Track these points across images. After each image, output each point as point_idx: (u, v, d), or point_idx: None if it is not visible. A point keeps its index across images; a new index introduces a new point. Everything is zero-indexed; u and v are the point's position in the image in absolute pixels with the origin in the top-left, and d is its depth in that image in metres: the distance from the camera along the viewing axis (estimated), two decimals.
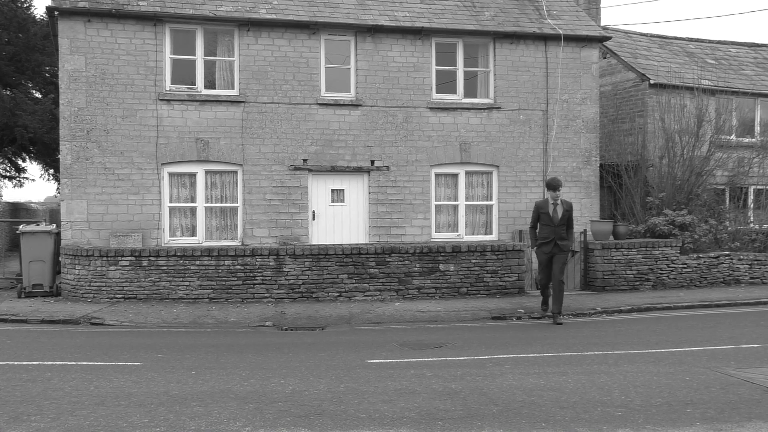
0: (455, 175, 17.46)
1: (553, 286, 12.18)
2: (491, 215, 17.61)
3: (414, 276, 14.93)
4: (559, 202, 12.15)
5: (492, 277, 15.23)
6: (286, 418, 6.12)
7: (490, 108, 17.47)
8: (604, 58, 21.23)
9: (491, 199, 17.60)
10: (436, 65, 17.32)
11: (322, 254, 14.66)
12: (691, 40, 24.33)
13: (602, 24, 21.66)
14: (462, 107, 17.35)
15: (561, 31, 17.60)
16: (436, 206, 17.32)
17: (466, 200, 17.50)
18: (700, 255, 16.64)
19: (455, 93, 17.45)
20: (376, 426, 5.90)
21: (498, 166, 17.53)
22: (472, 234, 17.44)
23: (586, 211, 17.84)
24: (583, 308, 13.67)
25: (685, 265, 16.43)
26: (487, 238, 17.32)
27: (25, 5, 29.14)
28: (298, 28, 16.34)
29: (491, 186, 17.63)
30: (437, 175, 17.33)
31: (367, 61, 16.78)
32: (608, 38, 18.63)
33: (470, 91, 17.67)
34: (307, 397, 6.84)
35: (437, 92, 17.35)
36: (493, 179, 17.61)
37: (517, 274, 15.39)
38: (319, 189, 16.62)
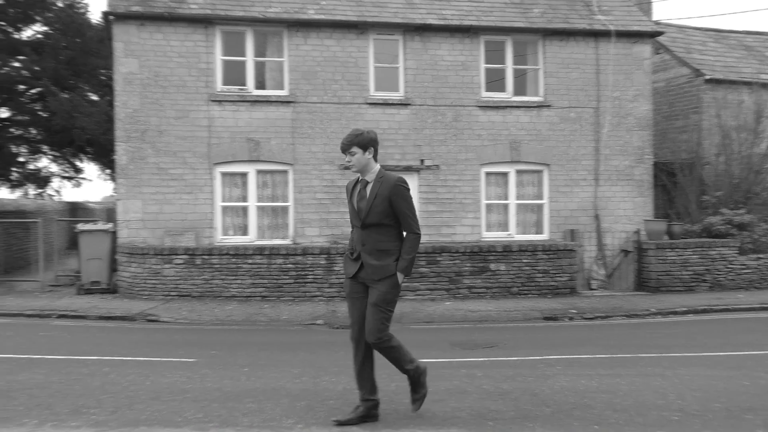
0: (505, 174, 17.32)
1: (355, 352, 5.93)
2: (542, 214, 17.42)
3: (464, 275, 14.87)
4: (372, 179, 5.77)
5: (543, 276, 15.09)
6: (337, 416, 6.14)
7: (540, 106, 17.30)
8: (657, 53, 20.84)
9: (542, 198, 17.42)
10: (485, 63, 17.21)
11: None
12: (749, 33, 23.72)
13: (654, 19, 21.26)
14: (511, 105, 17.21)
15: (612, 27, 17.33)
16: (487, 205, 17.21)
17: (517, 199, 17.35)
18: (760, 255, 16.23)
19: (504, 91, 17.33)
20: (426, 425, 5.89)
21: (548, 165, 17.35)
22: (523, 233, 17.28)
23: (639, 210, 17.54)
24: (637, 309, 13.45)
25: (744, 266, 16.05)
26: (538, 237, 17.15)
27: (81, 11, 29.84)
28: (346, 28, 16.41)
29: (542, 185, 17.44)
30: (487, 173, 17.22)
31: (416, 60, 16.76)
32: (661, 33, 18.31)
33: (520, 89, 17.52)
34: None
35: (486, 90, 17.24)
36: (543, 178, 17.42)
37: (569, 274, 15.22)
38: None
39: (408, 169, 16.69)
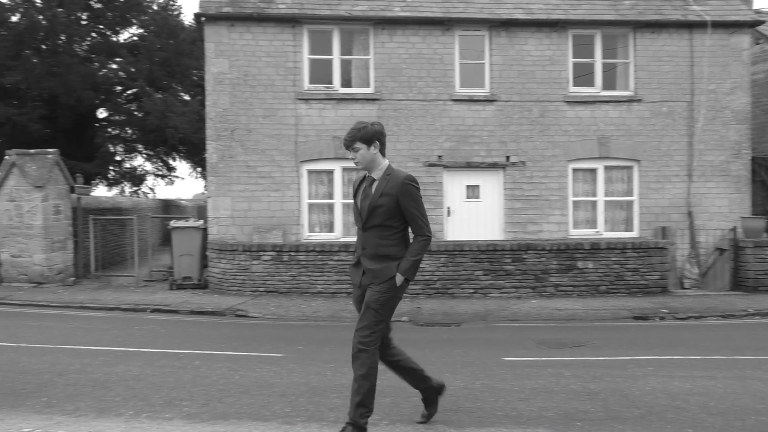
0: (593, 170, 16.95)
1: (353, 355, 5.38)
2: (632, 211, 16.97)
3: (551, 273, 14.64)
4: (379, 176, 5.30)
5: (633, 275, 14.70)
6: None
7: (630, 100, 16.85)
8: (757, 44, 19.99)
9: (632, 195, 16.96)
10: (573, 58, 16.88)
11: (458, 250, 14.64)
12: None
13: (755, 8, 20.38)
14: (600, 100, 16.83)
15: (708, 18, 16.71)
16: (574, 202, 16.89)
17: (605, 196, 16.96)
18: None
19: (593, 86, 16.95)
20: (512, 424, 5.82)
21: (639, 161, 16.88)
22: (612, 231, 16.87)
23: (735, 207, 16.87)
24: (733, 310, 12.95)
25: None
26: (628, 234, 16.71)
27: (175, 13, 30.83)
28: (432, 25, 16.37)
29: (632, 181, 16.99)
30: (574, 170, 16.90)
31: (502, 55, 16.58)
32: (761, 23, 17.54)
33: (609, 84, 17.11)
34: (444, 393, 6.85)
35: (574, 85, 16.90)
36: (633, 174, 16.97)
37: (660, 273, 14.78)
38: (453, 185, 16.59)
39: (493, 165, 16.54)
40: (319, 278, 14.80)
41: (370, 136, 5.22)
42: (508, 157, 16.60)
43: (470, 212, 16.66)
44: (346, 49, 16.63)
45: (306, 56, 16.36)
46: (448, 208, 16.57)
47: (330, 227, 16.42)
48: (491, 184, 16.67)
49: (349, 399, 5.32)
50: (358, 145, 5.22)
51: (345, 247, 14.86)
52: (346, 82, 16.66)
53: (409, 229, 5.28)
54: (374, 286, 5.18)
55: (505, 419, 5.97)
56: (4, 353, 8.95)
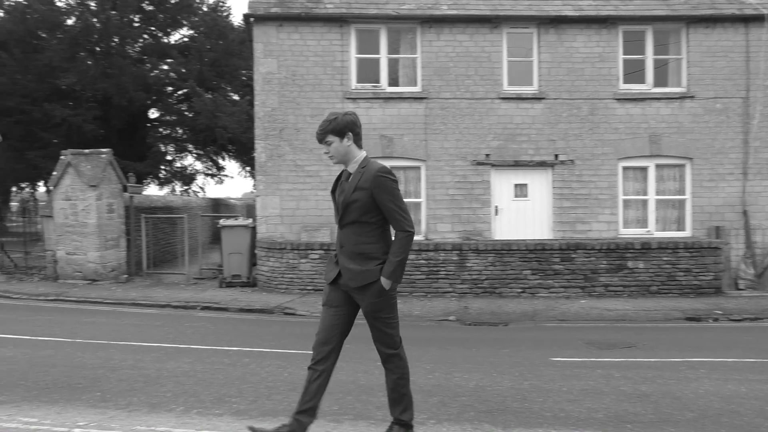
0: (644, 169, 16.67)
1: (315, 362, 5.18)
2: (684, 210, 16.64)
3: (600, 273, 14.45)
4: (354, 170, 4.95)
5: (685, 275, 14.42)
6: (469, 413, 6.12)
7: (682, 97, 16.52)
8: None
9: (684, 194, 16.63)
10: (624, 54, 16.62)
11: (505, 249, 14.55)
12: None
13: None
14: (651, 97, 16.54)
15: (765, 11, 16.29)
16: (624, 201, 16.63)
17: (657, 195, 16.66)
18: None
19: (644, 83, 16.66)
20: (561, 425, 5.76)
21: (691, 159, 16.54)
22: (663, 230, 16.57)
23: None
24: None
25: None
26: (680, 234, 16.39)
27: (224, 14, 31.22)
28: (479, 23, 16.29)
29: (684, 179, 16.66)
30: (625, 168, 16.64)
31: (550, 53, 16.41)
32: None
33: (660, 80, 16.79)
34: (490, 393, 6.81)
35: (624, 82, 16.64)
36: (686, 172, 16.64)
37: (713, 273, 14.47)
38: (501, 184, 16.48)
39: (541, 164, 16.39)
40: None
41: (341, 127, 4.86)
42: (556, 156, 16.42)
43: (518, 211, 16.53)
44: (393, 48, 16.64)
45: (353, 55, 16.41)
46: (496, 206, 16.47)
47: None
48: (539, 183, 16.52)
49: (388, 398, 5.20)
50: (330, 138, 4.88)
51: None
52: (394, 81, 16.67)
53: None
54: (359, 295, 4.92)
55: (553, 420, 5.91)
56: (60, 348, 9.18)
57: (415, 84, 16.54)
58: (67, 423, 5.80)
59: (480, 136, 16.34)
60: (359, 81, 16.48)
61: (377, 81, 16.49)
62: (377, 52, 16.49)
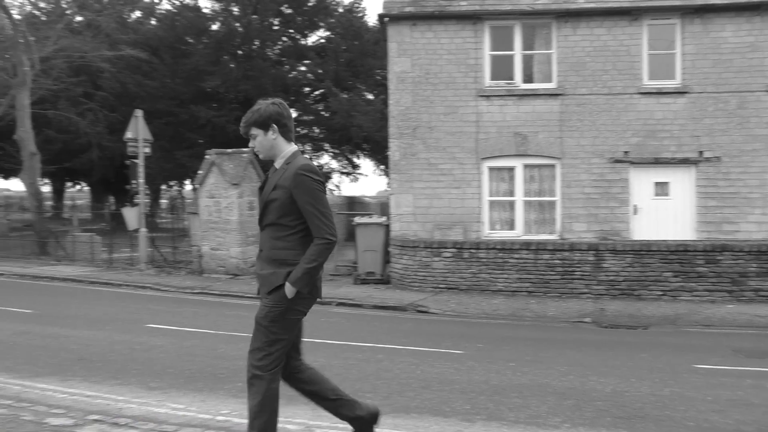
0: None
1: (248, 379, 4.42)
2: None
3: (749, 277, 13.66)
4: (279, 165, 4.42)
5: None
6: (605, 418, 5.95)
7: None
8: None
9: None
10: None
11: (645, 250, 14.04)
12: None
13: None
14: None
15: None
16: None
17: None
18: None
19: None
20: None
21: None
22: None
23: None
24: None
25: None
26: None
27: (359, 15, 31.80)
28: (618, 15, 15.74)
29: None
30: None
31: (695, 44, 15.64)
32: None
33: None
34: (628, 399, 6.59)
35: None
36: None
37: None
38: (640, 182, 15.87)
39: (684, 161, 15.65)
40: (500, 276, 14.71)
41: (265, 119, 4.32)
42: (701, 152, 15.63)
43: (658, 210, 15.85)
44: (527, 44, 16.37)
45: (487, 52, 16.27)
46: (635, 206, 15.87)
47: (511, 225, 16.24)
48: (682, 181, 15.78)
49: (249, 416, 4.37)
50: (254, 131, 4.36)
51: (526, 245, 14.69)
52: (528, 78, 16.40)
53: None
54: (264, 298, 4.32)
55: (696, 430, 5.65)
56: (205, 340, 9.65)
57: (550, 80, 16.20)
58: (210, 411, 6.09)
59: (618, 133, 15.80)
60: (493, 78, 16.32)
61: (511, 78, 16.28)
62: (511, 49, 16.27)
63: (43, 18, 30.60)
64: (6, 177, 40.57)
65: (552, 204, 16.07)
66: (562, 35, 15.98)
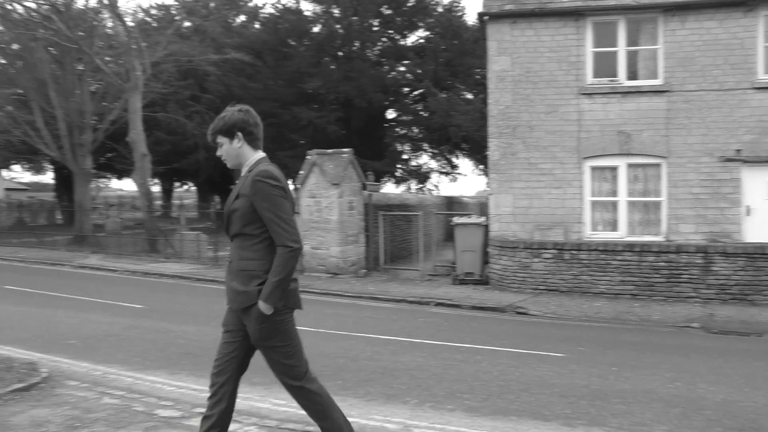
0: None
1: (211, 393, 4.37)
2: None
3: None
4: (244, 173, 4.35)
5: None
6: (716, 428, 5.71)
7: None
8: None
9: None
10: None
11: (758, 253, 13.42)
12: None
13: None
14: None
15: None
16: None
17: None
18: None
19: None
20: None
21: None
22: None
23: None
24: None
25: None
26: None
27: (458, 14, 31.70)
28: (731, 7, 15.06)
29: None
30: None
31: None
32: None
33: None
34: (740, 409, 6.31)
35: None
36: None
37: None
38: (754, 181, 15.14)
39: None
40: (602, 278, 14.35)
41: (229, 127, 4.25)
42: None
43: None
44: (632, 40, 15.88)
45: (589, 49, 15.89)
46: (748, 206, 15.15)
47: (614, 226, 15.80)
48: None
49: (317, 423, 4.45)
50: (220, 139, 4.29)
51: (629, 247, 14.29)
52: (632, 75, 15.91)
53: None
54: (245, 319, 4.20)
55: None
56: (306, 337, 9.74)
57: (655, 76, 15.67)
58: None
59: (729, 131, 15.13)
60: (595, 75, 15.92)
61: (614, 75, 15.83)
62: (615, 45, 15.83)
63: (154, 24, 32.01)
64: (119, 177, 42.65)
65: (657, 204, 15.54)
66: (669, 29, 15.43)
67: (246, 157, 4.30)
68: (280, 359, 4.28)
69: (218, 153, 4.34)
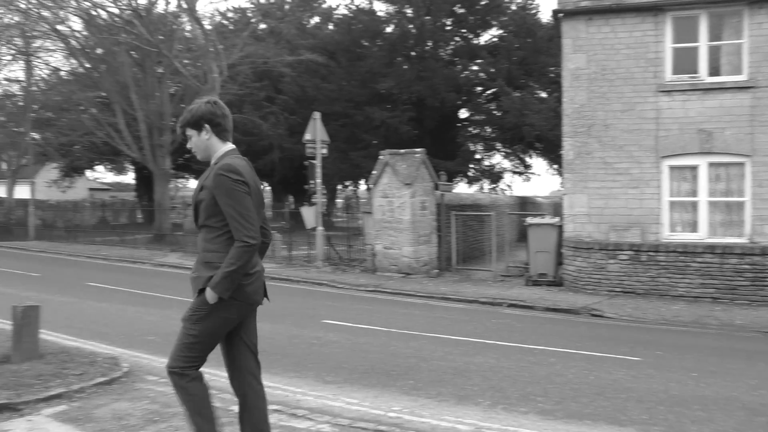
0: None
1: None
2: None
3: None
4: (213, 163, 4.35)
5: None
6: None
7: None
8: None
9: None
10: None
11: None
12: None
13: None
14: None
15: None
16: None
17: None
18: None
19: None
20: None
21: None
22: None
23: None
24: None
25: None
26: None
27: (532, 11, 31.33)
28: None
29: None
30: None
31: None
32: None
33: None
34: None
35: None
36: None
37: None
38: None
39: None
40: (681, 281, 13.95)
41: (197, 119, 4.25)
42: None
43: None
44: (714, 35, 15.37)
45: (668, 45, 15.46)
46: None
47: (693, 227, 15.33)
48: None
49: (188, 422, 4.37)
50: (188, 131, 4.30)
51: (710, 249, 13.85)
52: (714, 71, 15.39)
53: None
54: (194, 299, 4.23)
55: None
56: (377, 336, 9.87)
57: (739, 72, 15.13)
58: (382, 407, 6.22)
59: None
60: (675, 72, 15.47)
61: (695, 71, 15.36)
62: (695, 40, 15.35)
63: (231, 27, 32.66)
64: (197, 177, 43.61)
65: (740, 205, 15.00)
66: (755, 23, 14.87)
67: (215, 149, 4.30)
68: (182, 341, 4.24)
69: (188, 145, 4.36)
